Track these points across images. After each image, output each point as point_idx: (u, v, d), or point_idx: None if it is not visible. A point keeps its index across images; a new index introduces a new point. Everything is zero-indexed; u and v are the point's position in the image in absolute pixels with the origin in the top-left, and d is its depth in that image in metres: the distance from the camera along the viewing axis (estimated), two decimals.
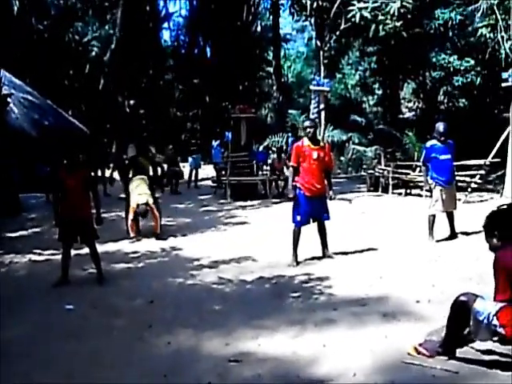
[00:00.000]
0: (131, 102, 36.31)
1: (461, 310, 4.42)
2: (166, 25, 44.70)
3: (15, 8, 30.87)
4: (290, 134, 22.53)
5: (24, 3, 32.43)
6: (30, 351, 5.34)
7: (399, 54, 22.79)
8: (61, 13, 35.11)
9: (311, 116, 19.73)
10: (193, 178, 20.83)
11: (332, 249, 8.77)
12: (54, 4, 35.47)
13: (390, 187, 16.97)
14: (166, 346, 5.35)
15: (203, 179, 21.63)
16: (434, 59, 20.56)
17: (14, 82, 22.87)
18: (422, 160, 10.17)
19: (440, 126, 9.45)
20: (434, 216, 9.52)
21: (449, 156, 9.46)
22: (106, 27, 37.84)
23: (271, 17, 35.57)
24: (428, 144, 9.75)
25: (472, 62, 20.02)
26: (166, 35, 70.95)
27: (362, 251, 9.03)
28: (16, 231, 12.03)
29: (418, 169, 15.64)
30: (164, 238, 10.85)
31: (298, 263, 8.41)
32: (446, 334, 4.57)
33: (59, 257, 8.03)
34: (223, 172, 18.67)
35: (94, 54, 36.96)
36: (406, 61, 23.17)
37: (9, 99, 16.54)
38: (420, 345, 4.72)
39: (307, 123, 8.74)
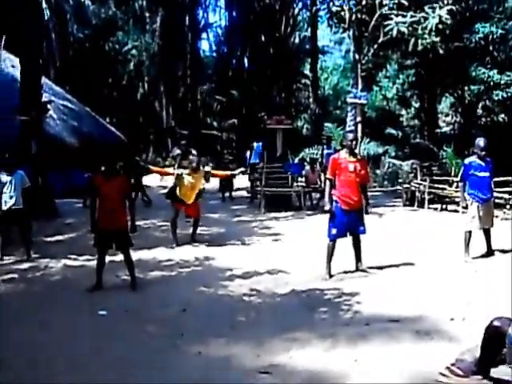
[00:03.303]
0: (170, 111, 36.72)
1: (495, 335, 4.29)
2: (204, 35, 45.22)
3: (46, 16, 31.39)
4: (325, 147, 22.37)
5: (64, 13, 33.13)
6: (61, 354, 5.41)
7: (438, 67, 22.59)
8: (102, 22, 35.79)
9: (347, 128, 19.65)
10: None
11: (366, 263, 8.70)
12: (95, 13, 36.16)
13: (426, 202, 16.79)
14: (197, 355, 5.36)
15: (237, 189, 21.62)
16: (473, 73, 20.30)
17: (54, 89, 23.39)
18: (460, 176, 10.07)
19: (480, 141, 9.33)
20: (470, 232, 9.38)
21: (487, 173, 9.35)
22: (146, 37, 38.36)
23: (309, 28, 35.62)
24: (467, 161, 9.64)
25: None
26: (204, 45, 71.81)
27: (396, 266, 8.92)
28: (52, 236, 12.22)
29: (455, 184, 15.42)
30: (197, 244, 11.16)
31: (331, 277, 8.36)
32: (480, 355, 4.46)
33: (94, 262, 8.14)
34: (258, 182, 18.62)
35: (133, 63, 37.50)
36: (444, 74, 22.94)
37: (49, 106, 16.85)
38: (453, 364, 4.62)
39: (351, 136, 9.06)
